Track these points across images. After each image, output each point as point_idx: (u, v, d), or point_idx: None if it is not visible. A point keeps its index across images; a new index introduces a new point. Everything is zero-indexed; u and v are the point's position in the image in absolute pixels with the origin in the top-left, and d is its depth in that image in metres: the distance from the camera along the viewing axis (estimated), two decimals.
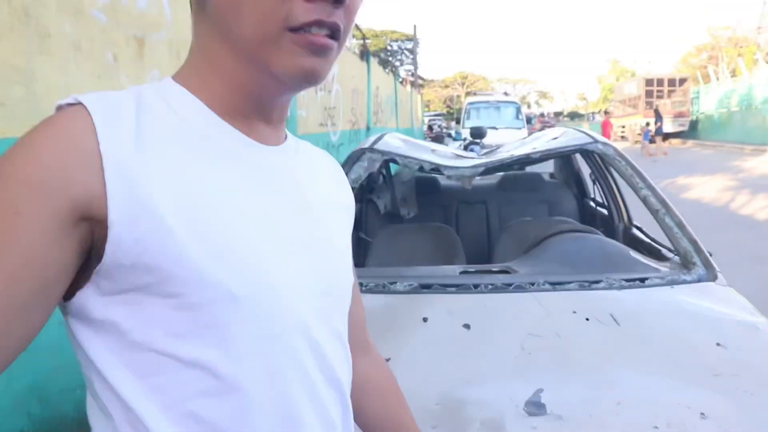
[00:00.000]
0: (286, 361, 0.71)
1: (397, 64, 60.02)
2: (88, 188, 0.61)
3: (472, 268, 2.55)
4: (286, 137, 0.85)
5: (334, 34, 0.71)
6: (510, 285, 2.27)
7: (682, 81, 35.50)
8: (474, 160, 3.22)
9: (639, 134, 25.88)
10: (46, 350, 2.27)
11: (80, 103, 0.65)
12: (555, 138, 3.29)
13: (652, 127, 25.47)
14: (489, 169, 3.17)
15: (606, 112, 32.91)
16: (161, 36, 3.49)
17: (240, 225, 0.69)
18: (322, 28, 0.69)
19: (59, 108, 0.67)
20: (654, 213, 2.66)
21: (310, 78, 0.72)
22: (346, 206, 0.93)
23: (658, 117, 25.85)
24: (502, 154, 3.33)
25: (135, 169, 0.63)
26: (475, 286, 2.27)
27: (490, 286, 2.27)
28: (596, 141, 2.94)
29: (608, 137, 24.35)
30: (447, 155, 3.42)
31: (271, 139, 0.79)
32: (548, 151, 3.06)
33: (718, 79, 34.86)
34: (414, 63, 39.71)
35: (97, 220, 0.62)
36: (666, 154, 24.20)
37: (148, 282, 0.64)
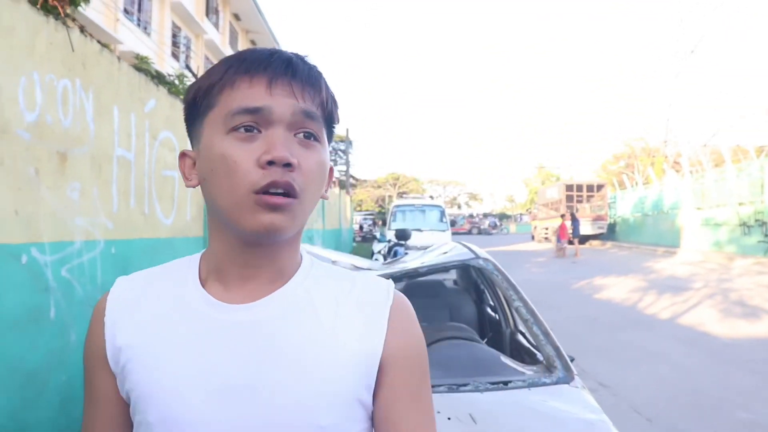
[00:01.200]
0: None
1: (331, 164, 61.02)
2: (102, 343, 0.96)
3: None
4: (287, 283, 0.96)
5: (290, 192, 0.85)
6: None
7: (600, 187, 37.53)
8: (371, 272, 3.52)
9: (553, 235, 27.09)
10: None
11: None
12: (444, 252, 3.65)
13: (539, 230, 26.83)
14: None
15: (531, 213, 34.19)
16: (83, 150, 3.74)
17: (165, 367, 0.89)
18: (278, 188, 0.84)
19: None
20: (524, 322, 3.00)
21: (271, 231, 0.86)
22: (354, 350, 0.92)
23: (574, 220, 27.11)
24: (398, 267, 3.65)
25: (115, 332, 0.95)
26: None
27: None
28: (478, 257, 3.30)
29: (564, 237, 25.82)
30: (345, 266, 3.72)
31: (250, 295, 0.93)
32: (433, 266, 3.40)
33: (633, 185, 36.97)
34: (346, 164, 40.64)
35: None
36: (578, 255, 25.25)
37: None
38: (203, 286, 0.95)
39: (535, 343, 3.00)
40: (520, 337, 3.80)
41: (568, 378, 2.70)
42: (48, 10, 3.38)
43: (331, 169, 0.99)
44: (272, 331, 0.89)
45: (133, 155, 4.46)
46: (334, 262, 3.78)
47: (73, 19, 3.65)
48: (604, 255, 26.93)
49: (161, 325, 0.92)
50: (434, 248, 4.27)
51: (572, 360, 2.89)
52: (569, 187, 37.34)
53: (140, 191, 4.62)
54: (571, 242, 26.69)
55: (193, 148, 0.95)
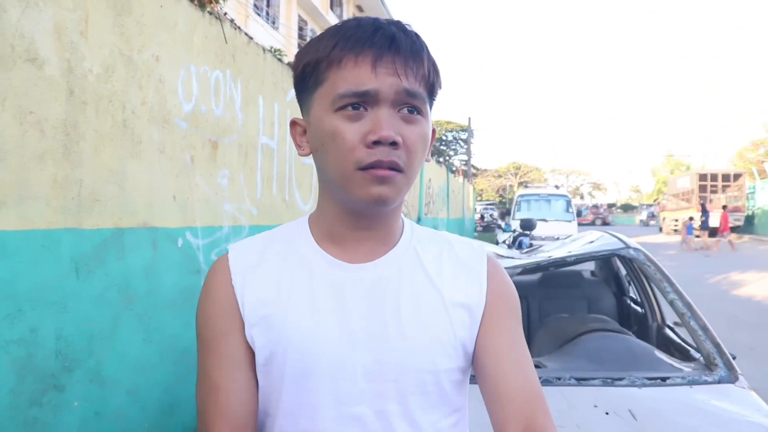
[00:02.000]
0: (320, 426, 0.97)
1: (451, 153, 60.87)
2: (234, 301, 1.00)
3: None
4: (397, 244, 1.06)
5: (396, 167, 0.92)
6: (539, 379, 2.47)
7: (737, 176, 35.29)
8: (513, 260, 3.47)
9: (683, 227, 25.78)
10: None
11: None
12: (591, 242, 3.53)
13: (697, 222, 25.41)
14: (526, 270, 3.40)
15: (659, 204, 32.80)
16: (232, 139, 3.90)
17: (310, 329, 0.97)
18: (383, 166, 0.91)
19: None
20: (680, 316, 2.85)
21: (379, 201, 0.93)
22: (458, 303, 1.03)
23: (704, 212, 25.64)
24: (541, 256, 3.57)
25: (246, 290, 1.00)
26: None
27: None
28: (628, 246, 3.16)
29: (726, 229, 24.89)
30: (489, 255, 3.68)
31: (366, 256, 1.02)
32: (582, 255, 3.29)
33: None
34: (468, 153, 40.37)
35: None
36: (716, 248, 23.90)
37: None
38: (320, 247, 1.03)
39: (690, 339, 2.84)
40: (669, 332, 3.62)
41: (731, 377, 2.54)
42: (202, 5, 3.54)
43: (434, 132, 1.03)
44: (392, 287, 1.00)
45: (275, 143, 4.60)
46: None
47: (225, 13, 3.80)
48: (741, 249, 25.33)
49: (292, 282, 1.00)
50: (577, 237, 4.14)
51: (734, 358, 2.71)
52: (702, 177, 35.35)
53: (281, 178, 4.76)
54: (698, 236, 25.25)
55: (303, 117, 1.02)
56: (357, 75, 0.90)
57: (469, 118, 42.05)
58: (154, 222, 3.07)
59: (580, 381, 2.45)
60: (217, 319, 1.00)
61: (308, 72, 0.96)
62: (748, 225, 34.20)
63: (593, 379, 2.46)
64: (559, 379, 2.46)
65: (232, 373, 0.98)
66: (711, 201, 34.05)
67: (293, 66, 1.01)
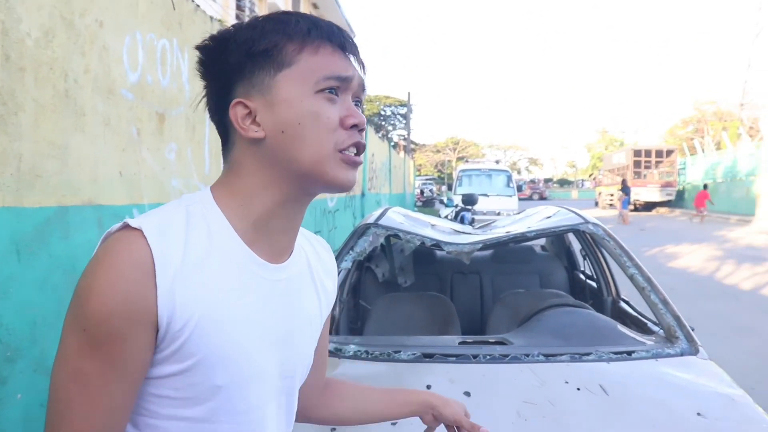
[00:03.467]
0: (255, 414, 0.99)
1: (390, 128, 60.95)
2: (152, 304, 0.86)
3: (470, 338, 2.72)
4: (297, 241, 1.09)
5: (360, 151, 1.00)
6: (506, 356, 2.44)
7: (669, 152, 36.47)
8: (472, 236, 3.42)
9: (618, 202, 26.92)
10: None
11: (136, 229, 0.88)
12: (548, 217, 3.51)
13: (617, 196, 26.92)
14: (486, 246, 3.37)
15: (595, 179, 33.81)
16: (179, 111, 3.72)
17: (233, 330, 0.93)
18: (358, 149, 0.99)
19: (112, 232, 0.91)
20: (640, 290, 2.86)
21: (349, 185, 1.00)
22: (328, 297, 1.17)
23: (625, 188, 26.65)
24: (499, 231, 3.53)
25: (175, 288, 0.87)
26: (474, 357, 2.44)
27: (488, 357, 2.44)
28: (587, 222, 3.16)
29: (702, 205, 26.37)
30: (446, 231, 3.63)
31: (281, 255, 1.03)
32: (542, 231, 3.27)
33: (704, 151, 35.77)
34: (407, 128, 40.40)
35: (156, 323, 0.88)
36: (626, 222, 25.25)
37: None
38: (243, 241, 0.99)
39: (650, 312, 2.86)
40: (624, 305, 3.65)
41: (693, 349, 2.56)
42: None
43: None
44: (296, 287, 1.06)
45: None
46: (433, 226, 3.69)
47: None
48: (673, 223, 26.25)
49: (222, 284, 0.93)
50: (531, 213, 4.12)
51: (693, 330, 2.74)
52: (637, 153, 36.33)
53: None
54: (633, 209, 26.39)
55: (244, 97, 0.96)
56: (336, 62, 0.97)
57: (409, 93, 42.10)
58: (100, 199, 2.89)
59: (549, 357, 2.42)
60: (122, 318, 0.84)
61: (272, 52, 0.95)
62: (679, 199, 35.42)
63: (561, 355, 2.44)
64: (528, 355, 2.43)
65: (121, 388, 0.87)
66: (645, 176, 35.07)
67: (239, 42, 0.96)
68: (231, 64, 0.96)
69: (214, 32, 1.01)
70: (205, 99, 1.03)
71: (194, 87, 3.90)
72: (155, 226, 0.89)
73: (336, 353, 2.51)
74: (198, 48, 0.99)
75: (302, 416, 1.25)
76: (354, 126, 0.97)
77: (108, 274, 0.84)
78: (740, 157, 29.32)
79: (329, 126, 0.95)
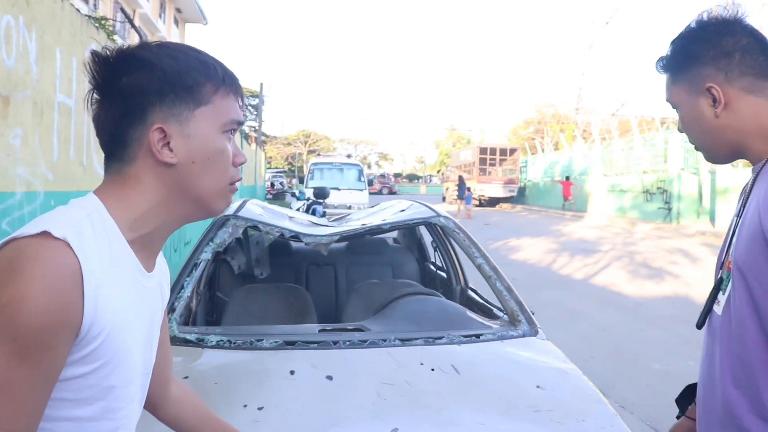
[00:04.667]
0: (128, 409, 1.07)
1: None
2: (79, 313, 0.91)
3: (329, 326, 2.83)
4: None
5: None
6: (365, 341, 2.57)
7: (513, 151, 38.58)
8: (330, 228, 3.52)
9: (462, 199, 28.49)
10: None
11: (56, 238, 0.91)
12: (402, 210, 3.68)
13: (453, 192, 28.81)
14: (343, 238, 3.48)
15: (443, 175, 35.25)
16: (26, 95, 3.53)
17: (128, 333, 1.01)
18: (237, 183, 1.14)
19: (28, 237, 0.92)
20: (487, 279, 3.08)
21: (221, 213, 1.17)
22: (164, 298, 1.23)
23: (461, 184, 28.40)
24: (355, 224, 3.66)
25: (97, 296, 0.93)
26: (335, 343, 2.55)
27: (347, 342, 2.55)
28: (439, 215, 3.35)
29: (569, 195, 28.33)
30: (304, 223, 3.71)
31: (152, 264, 1.12)
32: (397, 223, 3.43)
33: (543, 151, 38.15)
34: (258, 120, 39.86)
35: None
36: (468, 217, 26.64)
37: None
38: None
39: (495, 299, 3.10)
40: (472, 293, 3.91)
41: (533, 331, 2.81)
42: None
43: None
44: (158, 293, 1.16)
45: (74, 102, 4.22)
46: (291, 218, 3.75)
47: None
48: (515, 218, 27.80)
49: (125, 292, 1.00)
50: (386, 206, 4.29)
51: (533, 314, 3.00)
52: (483, 150, 38.08)
53: (79, 140, 4.40)
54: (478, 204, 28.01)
55: (162, 123, 1.03)
56: (237, 108, 1.12)
57: (261, 84, 41.53)
58: None
59: (405, 342, 2.57)
60: (55, 328, 0.87)
61: (195, 90, 1.05)
62: (521, 196, 37.57)
63: (416, 339, 2.60)
64: (385, 340, 2.57)
65: (44, 393, 0.91)
66: (490, 173, 36.88)
67: (169, 72, 1.03)
68: (150, 89, 1.02)
69: (109, 44, 1.04)
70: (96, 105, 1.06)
71: (42, 69, 3.71)
72: (76, 236, 0.92)
73: (198, 343, 2.52)
74: (96, 55, 1.02)
75: (147, 409, 1.32)
76: (239, 164, 1.13)
77: (40, 285, 0.86)
78: (575, 158, 31.60)
79: (229, 162, 1.10)
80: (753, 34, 1.37)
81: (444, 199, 43.71)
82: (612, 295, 9.26)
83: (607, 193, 26.36)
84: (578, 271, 11.56)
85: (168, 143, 1.03)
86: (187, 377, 2.21)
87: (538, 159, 37.89)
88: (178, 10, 33.77)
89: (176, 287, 2.76)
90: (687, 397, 1.69)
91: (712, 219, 19.24)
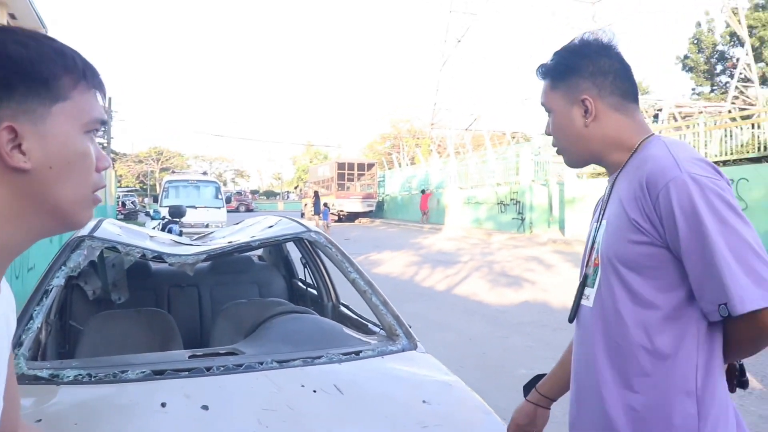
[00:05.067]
0: None
1: None
2: None
3: (200, 351, 2.65)
4: None
5: None
6: (240, 365, 2.42)
7: (370, 165, 39.18)
8: (195, 247, 3.33)
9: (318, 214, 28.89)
10: None
11: None
12: (270, 226, 3.55)
13: (309, 207, 29.44)
14: (211, 256, 3.30)
15: (301, 191, 35.46)
16: None
17: None
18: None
19: None
20: (362, 293, 3.02)
21: (84, 225, 1.06)
22: (10, 329, 1.06)
23: (317, 199, 29.12)
24: (221, 242, 3.49)
25: None
26: (208, 369, 2.38)
27: (221, 368, 2.39)
28: (310, 230, 3.26)
29: (425, 208, 28.84)
30: (166, 242, 3.49)
31: None
32: (266, 240, 3.30)
33: (400, 165, 39.00)
34: (107, 137, 37.97)
35: None
36: (327, 230, 26.78)
37: None
38: None
39: (372, 314, 3.04)
40: (344, 309, 3.83)
41: (412, 345, 2.78)
42: None
43: None
44: (4, 324, 1.00)
45: None
46: (152, 238, 3.52)
47: None
48: (375, 232, 28.14)
49: None
50: (252, 223, 4.13)
51: (410, 327, 2.97)
52: (341, 165, 38.31)
53: None
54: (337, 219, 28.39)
55: (12, 121, 0.88)
56: (99, 106, 0.98)
57: (110, 99, 39.61)
58: None
59: (282, 363, 2.45)
60: None
61: (51, 82, 0.90)
62: (379, 210, 38.16)
63: (294, 360, 2.48)
64: (262, 363, 2.44)
65: None
66: (348, 188, 37.16)
67: (18, 60, 0.88)
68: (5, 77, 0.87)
69: None
70: None
71: None
72: None
73: (52, 380, 2.26)
74: None
75: None
76: (104, 168, 1.00)
77: None
78: (432, 172, 32.52)
79: (92, 167, 0.96)
80: (622, 61, 1.58)
81: (303, 215, 43.62)
82: (475, 305, 9.52)
83: (464, 206, 27.30)
84: (440, 283, 11.81)
85: (19, 145, 0.88)
86: (40, 420, 1.96)
87: (396, 173, 38.70)
88: (12, 16, 31.48)
89: (24, 318, 2.47)
90: (532, 385, 1.91)
91: (562, 228, 20.37)
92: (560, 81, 1.59)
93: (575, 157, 1.64)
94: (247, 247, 3.27)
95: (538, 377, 1.91)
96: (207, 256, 3.18)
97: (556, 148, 1.68)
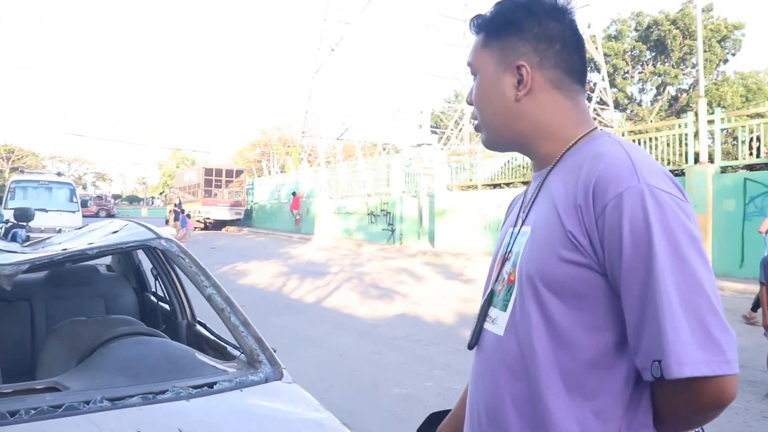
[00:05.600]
0: None
1: None
2: None
3: (8, 388, 2.10)
4: None
5: None
6: (59, 407, 1.91)
7: (239, 172, 38.22)
8: (17, 255, 2.76)
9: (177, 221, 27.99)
10: None
11: None
12: (115, 232, 3.04)
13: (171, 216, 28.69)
14: (36, 267, 2.75)
15: (167, 197, 34.36)
16: None
17: None
18: None
19: None
20: (219, 312, 2.59)
21: None
22: None
23: (179, 207, 28.26)
24: (53, 249, 2.93)
25: None
26: (13, 414, 1.85)
27: (33, 411, 1.87)
28: (159, 237, 2.78)
29: (297, 208, 28.50)
30: None
31: None
32: (107, 247, 2.78)
33: (270, 173, 38.26)
34: None
35: None
36: (185, 239, 26.00)
37: None
38: None
39: (233, 336, 2.61)
40: (201, 329, 3.36)
41: (276, 374, 2.39)
42: None
43: None
44: None
45: None
46: None
47: None
48: (242, 241, 27.32)
49: None
50: (95, 227, 3.56)
51: (275, 351, 2.57)
52: (208, 171, 37.06)
53: None
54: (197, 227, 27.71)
55: None
56: None
57: None
58: None
59: (116, 402, 1.97)
60: None
61: None
62: (248, 218, 37.22)
63: (131, 396, 2.01)
64: (88, 403, 1.94)
65: None
66: (216, 195, 35.96)
67: None
68: None
69: None
70: None
71: None
72: None
73: None
74: None
75: None
76: None
77: None
78: (302, 180, 31.99)
79: None
80: (576, 31, 1.27)
81: (167, 222, 41.89)
82: (346, 318, 9.17)
83: (334, 216, 27.00)
84: (310, 295, 11.39)
85: None
86: None
87: (265, 181, 37.92)
88: None
89: None
90: (430, 426, 1.55)
91: (432, 239, 20.49)
92: (495, 38, 1.27)
93: (495, 137, 1.31)
94: (82, 255, 2.74)
95: (436, 416, 1.55)
96: (31, 266, 2.62)
97: (474, 122, 1.33)
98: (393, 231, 22.30)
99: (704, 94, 16.64)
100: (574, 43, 1.25)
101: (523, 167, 18.13)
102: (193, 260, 2.75)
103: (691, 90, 36.08)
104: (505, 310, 1.21)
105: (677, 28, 34.57)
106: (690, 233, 1.03)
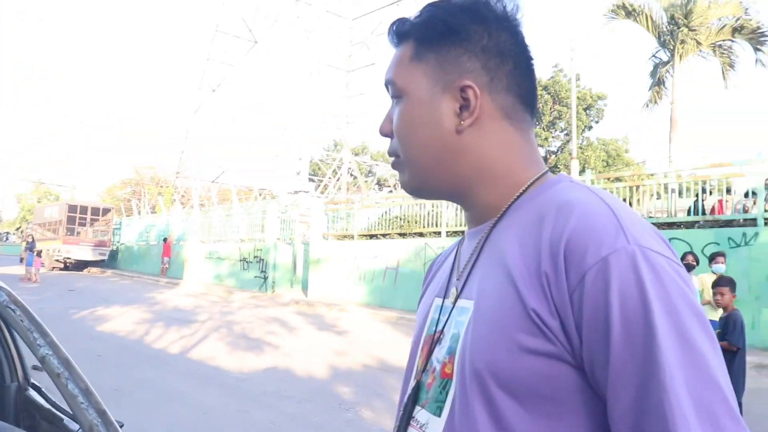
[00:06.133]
0: None
1: None
2: None
3: None
4: None
5: None
6: None
7: (106, 211, 36.35)
8: None
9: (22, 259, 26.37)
10: None
11: None
12: None
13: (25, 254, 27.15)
14: None
15: (24, 233, 32.10)
16: None
17: None
18: None
19: None
20: (55, 378, 2.10)
21: None
22: None
23: (31, 245, 26.49)
24: None
25: None
26: None
27: None
28: None
29: (169, 255, 27.31)
30: None
31: None
32: None
33: (140, 213, 36.58)
34: None
35: None
36: (35, 279, 24.46)
37: None
38: None
39: (70, 408, 2.12)
40: (34, 395, 2.81)
41: None
42: None
43: None
44: None
45: None
46: None
47: None
48: (105, 283, 25.76)
49: None
50: None
51: (122, 426, 2.11)
52: (72, 208, 34.86)
53: None
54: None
55: None
56: None
57: None
58: None
59: None
60: None
61: None
62: (113, 259, 35.24)
63: None
64: None
65: None
66: (79, 234, 33.83)
67: None
68: None
69: None
70: None
71: None
72: None
73: None
74: None
75: None
76: None
77: None
78: (173, 222, 30.68)
79: None
80: (525, 48, 0.97)
81: (21, 260, 38.96)
82: (212, 371, 8.53)
83: (205, 260, 25.97)
84: (174, 344, 10.62)
85: None
86: None
87: (134, 221, 36.18)
88: None
89: None
90: None
91: (305, 288, 20.05)
92: (432, 48, 0.94)
93: (423, 179, 0.98)
94: None
95: None
96: None
97: (392, 159, 1.00)
98: (266, 278, 21.65)
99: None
100: (526, 63, 0.96)
101: (400, 218, 18.18)
102: (25, 312, 2.24)
103: (559, 152, 37.96)
104: (439, 416, 0.88)
105: (548, 93, 36.41)
106: (695, 309, 0.75)
